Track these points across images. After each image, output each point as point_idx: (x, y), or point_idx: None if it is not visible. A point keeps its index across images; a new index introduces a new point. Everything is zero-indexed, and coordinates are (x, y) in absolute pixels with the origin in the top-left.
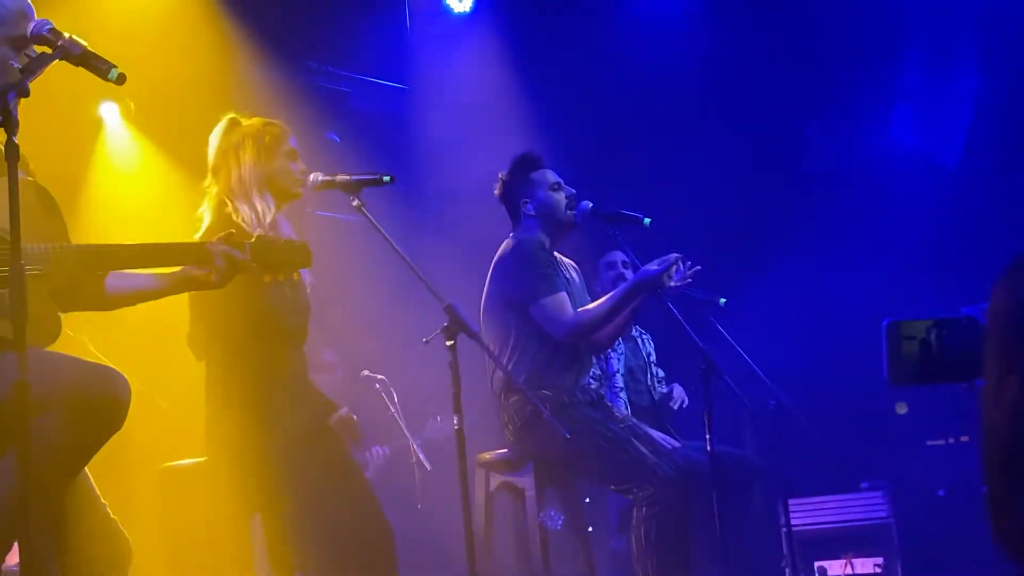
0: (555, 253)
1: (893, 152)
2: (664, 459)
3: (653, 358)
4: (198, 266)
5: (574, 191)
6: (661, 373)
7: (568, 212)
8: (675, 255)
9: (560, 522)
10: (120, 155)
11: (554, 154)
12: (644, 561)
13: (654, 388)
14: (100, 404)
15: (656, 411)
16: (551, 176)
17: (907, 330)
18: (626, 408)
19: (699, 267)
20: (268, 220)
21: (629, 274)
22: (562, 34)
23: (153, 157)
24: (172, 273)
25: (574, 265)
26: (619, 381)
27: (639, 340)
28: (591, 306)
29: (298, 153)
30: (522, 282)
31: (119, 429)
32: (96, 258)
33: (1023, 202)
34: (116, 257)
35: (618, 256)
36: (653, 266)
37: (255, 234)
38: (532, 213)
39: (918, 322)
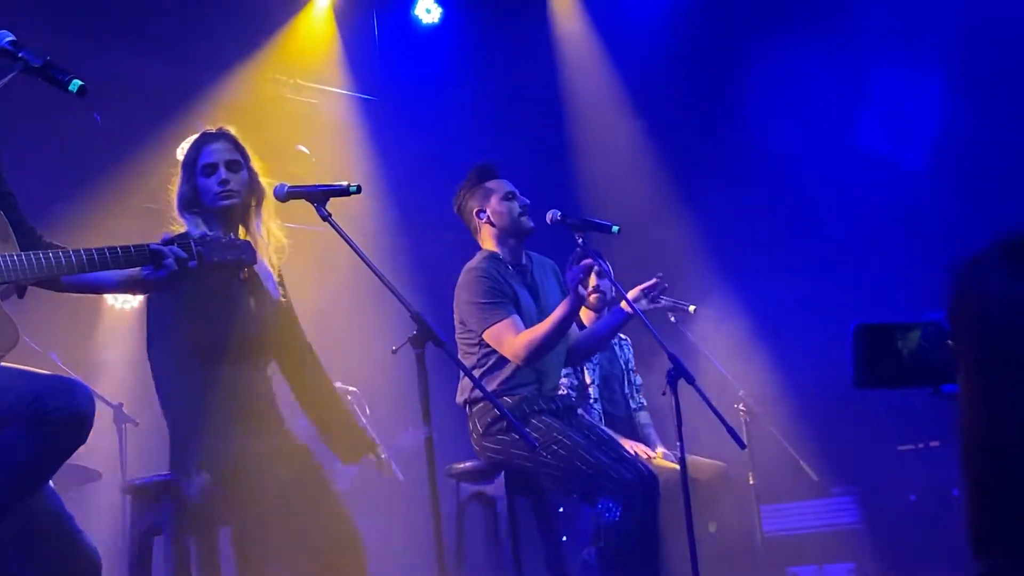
0: (526, 256)
1: (860, 156)
2: (626, 466)
3: (632, 365)
4: (147, 267)
5: (528, 201)
6: (639, 381)
7: (522, 220)
8: (588, 263)
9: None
10: None
11: (523, 162)
12: (609, 568)
13: (631, 397)
14: (62, 417)
15: (632, 420)
16: (505, 185)
17: (874, 334)
18: (600, 418)
19: (662, 281)
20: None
21: (603, 284)
22: (530, 45)
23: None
24: (122, 273)
25: (552, 265)
26: (593, 392)
27: (617, 347)
28: (537, 328)
29: (220, 164)
30: (472, 313)
31: (83, 442)
32: (49, 267)
33: (990, 205)
34: (69, 265)
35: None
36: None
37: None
38: (486, 222)
39: (886, 326)
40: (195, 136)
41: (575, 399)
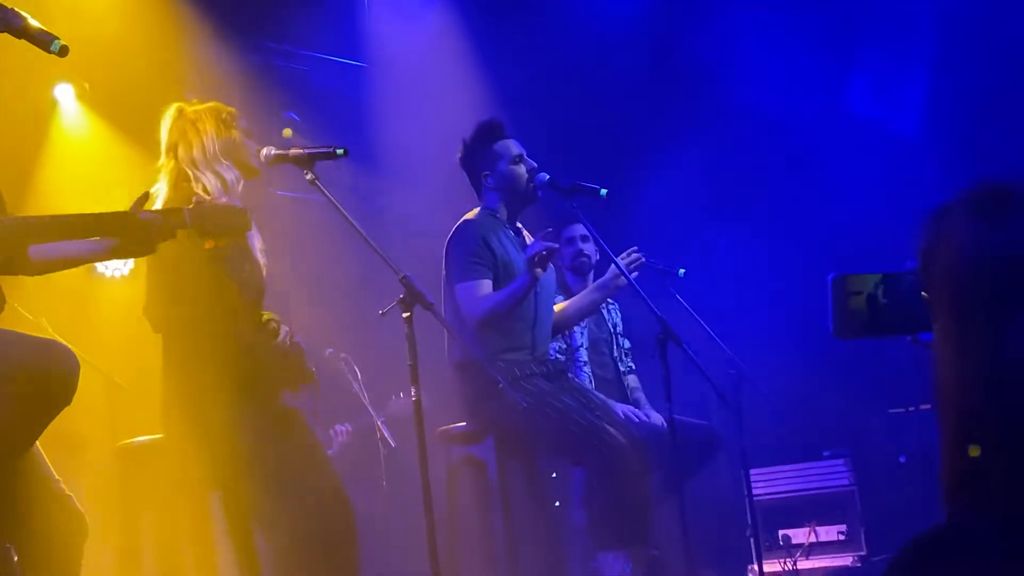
0: (519, 227)
1: (849, 121)
2: (619, 428)
3: (620, 329)
4: (129, 235)
5: (535, 164)
6: (627, 344)
7: (529, 185)
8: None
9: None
10: (75, 136)
11: (514, 127)
12: (599, 531)
13: (620, 360)
14: (46, 378)
15: (621, 383)
16: (514, 148)
17: (853, 284)
18: (590, 381)
19: (640, 255)
20: (239, 189)
21: (588, 248)
22: (523, 11)
23: (109, 138)
24: (100, 242)
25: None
26: (583, 355)
27: (605, 311)
28: (494, 294)
29: (252, 133)
30: (451, 265)
31: (68, 404)
32: (26, 231)
33: (979, 170)
34: (47, 229)
35: (577, 231)
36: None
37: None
38: (492, 186)
39: (864, 276)
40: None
41: (564, 363)
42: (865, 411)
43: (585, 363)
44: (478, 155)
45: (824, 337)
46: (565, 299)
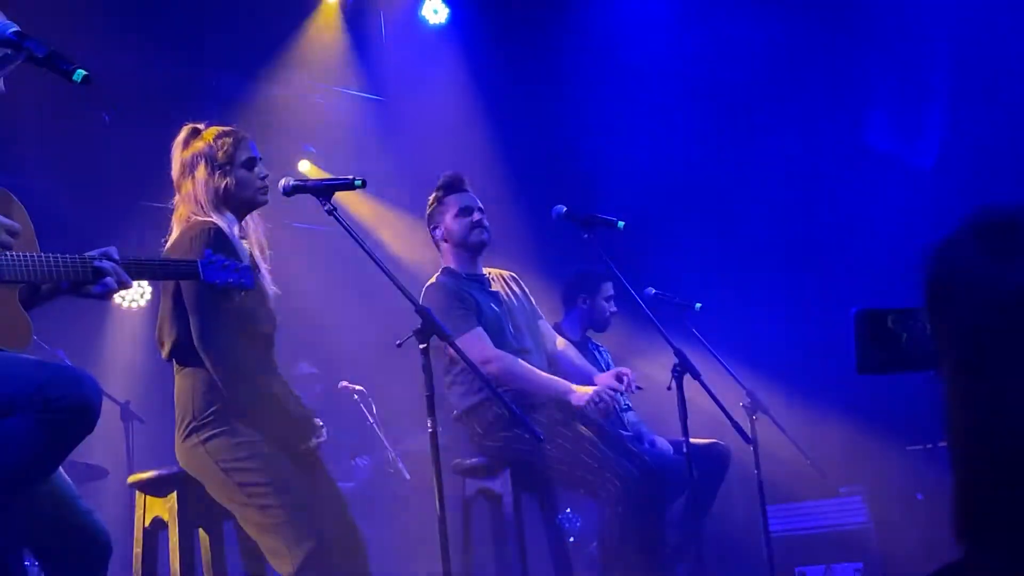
0: (485, 271)
1: (867, 155)
2: (632, 460)
3: (612, 368)
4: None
5: (481, 216)
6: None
7: (473, 234)
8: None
9: (578, 523)
10: None
11: (530, 162)
12: (612, 563)
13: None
14: (68, 405)
15: (622, 420)
16: (465, 199)
17: (877, 318)
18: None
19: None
20: (236, 231)
21: (612, 307)
22: (537, 45)
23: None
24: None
25: (513, 276)
26: None
27: (597, 353)
28: (525, 368)
29: (257, 159)
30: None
31: (90, 432)
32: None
33: (996, 202)
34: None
35: (609, 290)
36: (585, 396)
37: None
38: (440, 239)
39: (887, 310)
40: (219, 130)
41: None
42: (882, 448)
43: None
44: (432, 211)
45: (841, 373)
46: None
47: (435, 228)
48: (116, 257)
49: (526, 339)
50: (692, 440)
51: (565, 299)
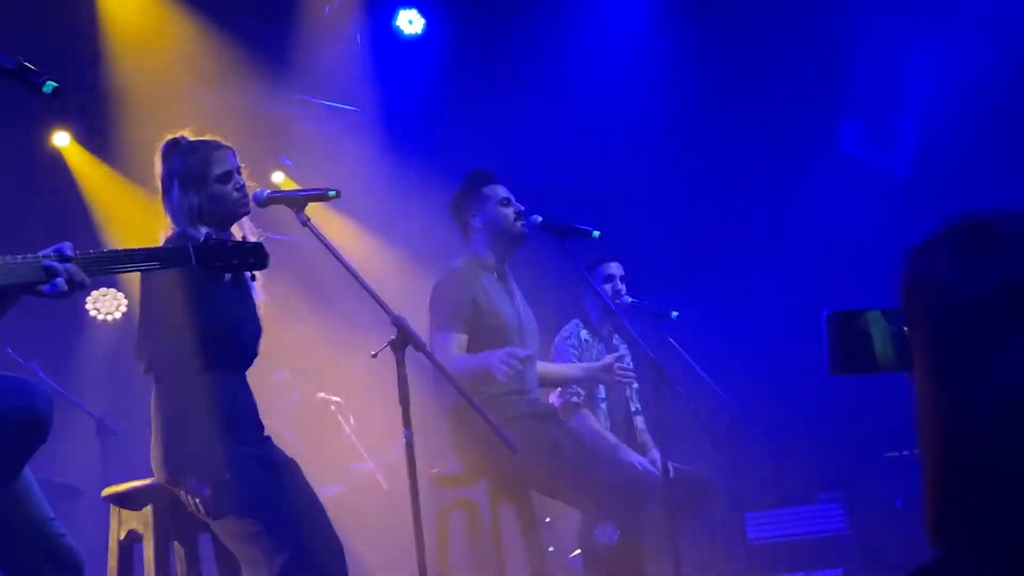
0: (506, 272)
1: (842, 163)
2: (614, 470)
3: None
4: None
5: (523, 207)
6: (635, 385)
7: (516, 225)
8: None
9: (616, 536)
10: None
11: (507, 172)
12: (593, 571)
13: (631, 399)
14: (19, 418)
15: (631, 424)
16: (500, 191)
17: (849, 320)
18: (606, 419)
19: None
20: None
21: (623, 287)
22: (513, 56)
23: (105, 177)
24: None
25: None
26: (601, 392)
27: (620, 350)
28: (468, 358)
29: (234, 171)
30: (433, 312)
31: (42, 443)
32: None
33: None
34: None
35: (615, 269)
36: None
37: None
38: (479, 227)
39: (860, 311)
40: (194, 143)
41: (583, 398)
42: (860, 454)
43: (603, 399)
44: (466, 200)
45: (818, 380)
46: (586, 329)
47: (474, 215)
48: (70, 254)
49: (530, 349)
50: (684, 467)
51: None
